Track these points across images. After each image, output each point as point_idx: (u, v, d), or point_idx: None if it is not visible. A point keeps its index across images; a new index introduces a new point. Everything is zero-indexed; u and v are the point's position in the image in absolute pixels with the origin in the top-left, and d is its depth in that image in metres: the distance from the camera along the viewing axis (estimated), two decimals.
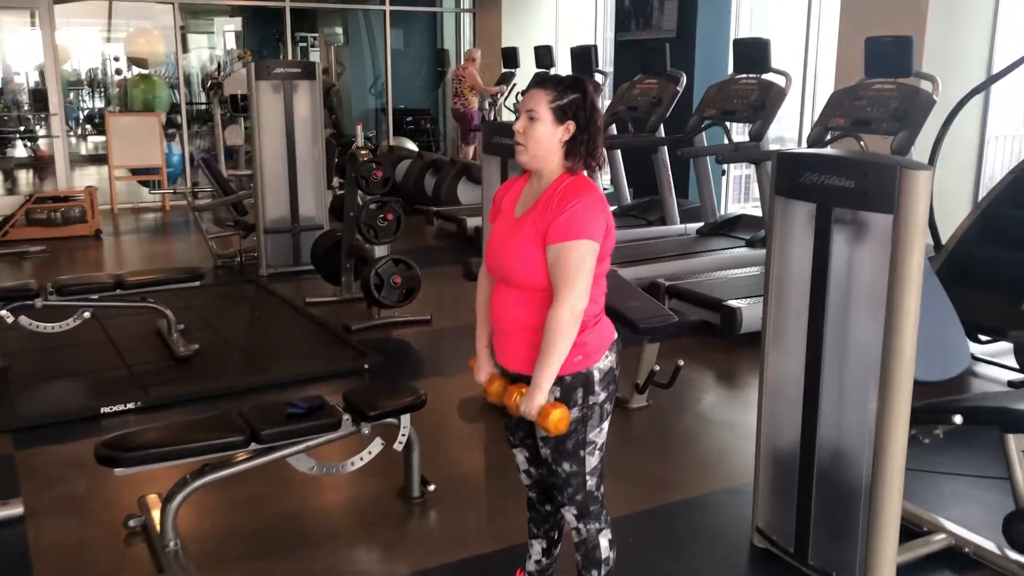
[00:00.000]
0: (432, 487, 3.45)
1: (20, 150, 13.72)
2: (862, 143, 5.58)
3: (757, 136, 6.47)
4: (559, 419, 2.20)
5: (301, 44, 15.70)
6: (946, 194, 5.93)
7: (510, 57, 10.69)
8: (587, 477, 2.36)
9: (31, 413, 4.21)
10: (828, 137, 5.82)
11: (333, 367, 4.86)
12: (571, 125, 2.22)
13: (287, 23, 10.72)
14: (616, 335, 2.39)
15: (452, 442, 4.12)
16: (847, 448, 2.69)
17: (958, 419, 2.77)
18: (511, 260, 2.26)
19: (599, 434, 2.35)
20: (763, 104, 6.48)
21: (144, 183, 10.48)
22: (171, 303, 5.52)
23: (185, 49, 15.98)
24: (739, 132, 7.34)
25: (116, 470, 2.85)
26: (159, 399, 4.35)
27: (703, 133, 7.10)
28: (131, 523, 3.18)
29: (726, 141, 6.85)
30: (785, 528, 2.92)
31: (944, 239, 5.03)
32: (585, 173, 2.31)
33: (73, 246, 8.12)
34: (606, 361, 2.31)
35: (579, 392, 2.28)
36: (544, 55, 9.89)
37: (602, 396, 2.32)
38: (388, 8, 11.27)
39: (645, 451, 4.00)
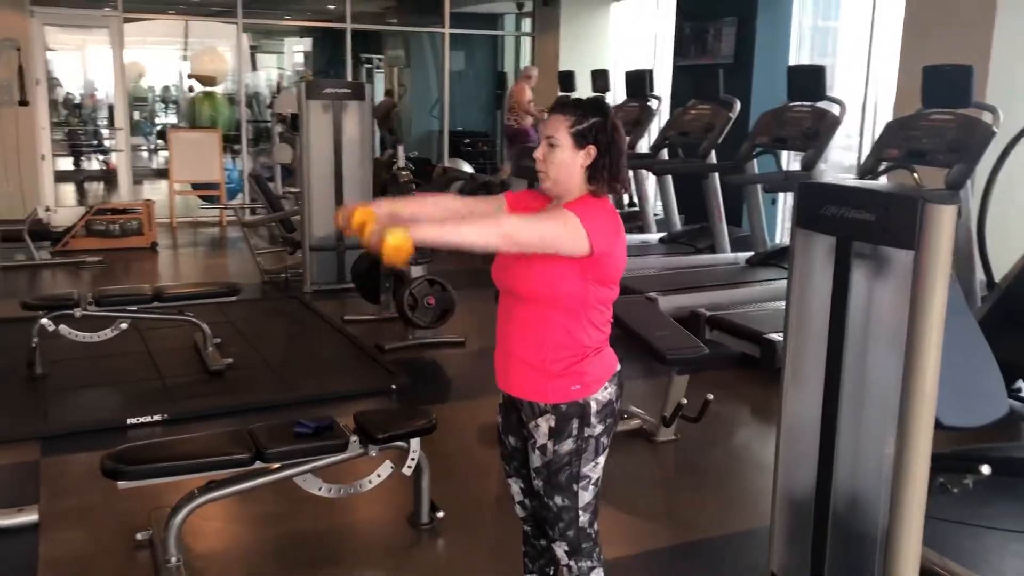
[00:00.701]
0: (441, 514, 3.38)
1: (95, 163, 14.24)
2: (916, 175, 5.39)
3: (809, 165, 6.30)
4: (395, 245, 1.94)
5: (367, 66, 15.98)
6: (1006, 229, 5.68)
7: (567, 81, 10.67)
8: (580, 512, 2.27)
9: (61, 421, 4.28)
10: (881, 168, 5.64)
11: (361, 386, 4.84)
12: (592, 149, 2.16)
13: (347, 45, 10.86)
14: (619, 367, 2.30)
15: (469, 468, 4.04)
16: (863, 494, 2.55)
17: (985, 469, 2.61)
18: (519, 268, 2.19)
19: (594, 468, 2.26)
20: (816, 133, 6.31)
21: (205, 198, 10.71)
22: (212, 317, 5.60)
23: (254, 68, 16.41)
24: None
25: (120, 483, 2.86)
26: (186, 412, 4.38)
27: (755, 161, 6.95)
28: (139, 536, 3.19)
29: (777, 169, 6.70)
30: (800, 575, 2.78)
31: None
32: (610, 197, 2.25)
33: (129, 257, 8.31)
34: (605, 393, 2.23)
35: (574, 423, 2.20)
36: (600, 79, 9.86)
37: (598, 429, 2.23)
38: (447, 31, 11.36)
39: (667, 486, 3.88)
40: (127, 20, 10.00)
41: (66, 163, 14.10)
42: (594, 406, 2.21)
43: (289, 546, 3.27)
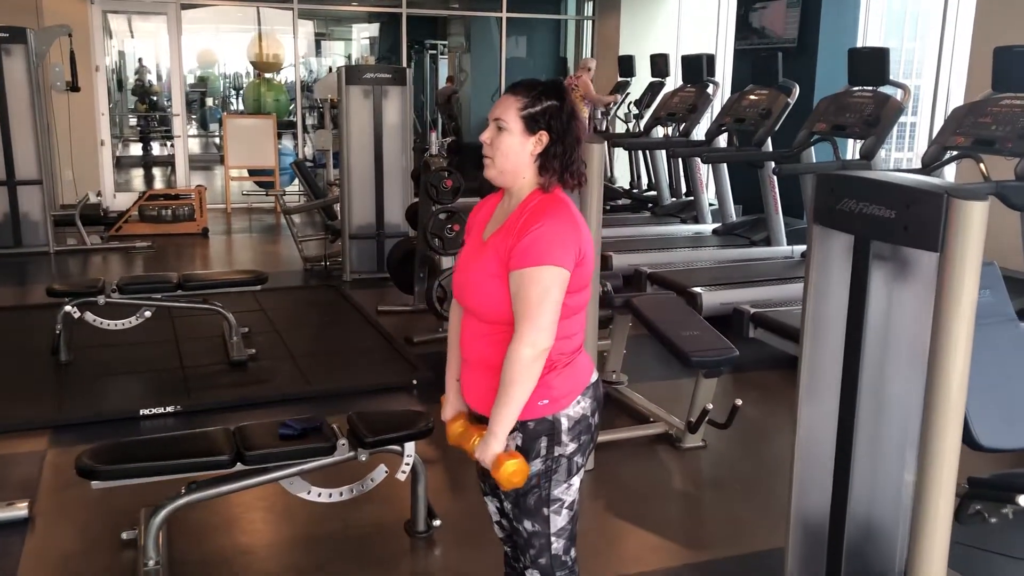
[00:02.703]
0: (438, 522, 3.21)
1: (161, 149, 14.50)
2: (982, 165, 4.99)
3: (868, 154, 5.90)
4: (513, 471, 1.92)
5: (431, 51, 15.87)
6: None
7: (626, 65, 10.37)
8: (552, 539, 2.06)
9: (74, 411, 4.23)
10: (945, 157, 5.25)
11: (382, 381, 4.69)
12: (544, 136, 1.94)
13: (403, 29, 10.74)
14: (596, 377, 2.08)
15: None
16: (880, 524, 2.28)
17: (1023, 500, 2.30)
18: (473, 289, 2.01)
19: (567, 491, 2.04)
20: (877, 119, 5.91)
21: (260, 184, 10.73)
22: (245, 305, 5.54)
23: (318, 54, 16.46)
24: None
25: (93, 483, 2.75)
26: (200, 404, 4.30)
27: (812, 148, 6.57)
28: (124, 536, 3.10)
29: (835, 158, 6.32)
30: None
31: None
32: (565, 191, 2.03)
33: (180, 243, 8.35)
34: (578, 407, 2.01)
35: (543, 441, 1.99)
36: (660, 63, 9.54)
37: (571, 447, 2.01)
38: (504, 15, 11.15)
39: (687, 498, 3.63)
40: (184, 7, 10.05)
41: (136, 148, 14.41)
42: (565, 423, 1.99)
43: (279, 551, 3.15)
